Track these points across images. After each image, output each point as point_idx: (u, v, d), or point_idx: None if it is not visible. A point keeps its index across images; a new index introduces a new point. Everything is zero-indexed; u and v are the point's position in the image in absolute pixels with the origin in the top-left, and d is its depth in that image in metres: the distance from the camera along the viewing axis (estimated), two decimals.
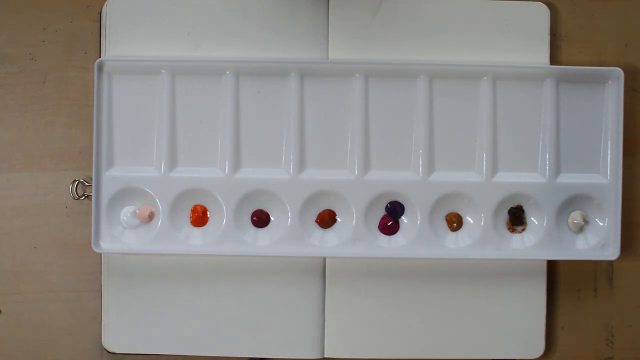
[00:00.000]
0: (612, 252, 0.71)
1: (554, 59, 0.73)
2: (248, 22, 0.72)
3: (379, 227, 0.71)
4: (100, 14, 0.73)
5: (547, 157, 0.71)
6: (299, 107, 0.70)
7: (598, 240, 0.71)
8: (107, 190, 0.70)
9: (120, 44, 0.71)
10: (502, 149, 0.71)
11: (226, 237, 0.70)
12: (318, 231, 0.71)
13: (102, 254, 0.72)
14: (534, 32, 0.72)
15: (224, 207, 0.70)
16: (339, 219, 0.71)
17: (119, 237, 0.70)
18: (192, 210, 0.71)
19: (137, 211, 0.70)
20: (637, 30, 0.74)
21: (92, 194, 0.69)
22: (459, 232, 0.71)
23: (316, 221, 0.71)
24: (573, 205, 0.71)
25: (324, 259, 0.72)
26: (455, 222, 0.71)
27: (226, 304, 0.72)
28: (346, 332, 0.72)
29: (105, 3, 0.72)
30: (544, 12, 0.72)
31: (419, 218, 0.70)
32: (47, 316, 0.73)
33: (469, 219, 0.71)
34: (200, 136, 0.71)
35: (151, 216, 0.70)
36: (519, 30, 0.72)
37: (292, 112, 0.70)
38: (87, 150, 0.72)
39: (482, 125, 0.71)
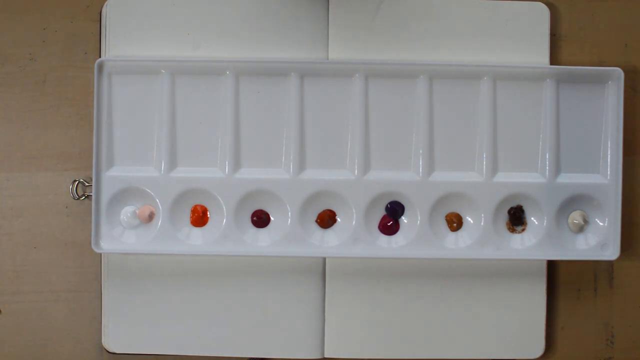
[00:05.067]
0: (612, 252, 0.71)
1: (554, 59, 0.73)
2: (248, 22, 0.72)
3: (379, 227, 0.71)
4: (100, 14, 0.73)
5: (547, 157, 0.71)
6: (299, 107, 0.70)
7: (598, 240, 0.71)
8: (107, 190, 0.70)
9: (120, 44, 0.71)
10: (502, 149, 0.71)
11: (226, 237, 0.70)
12: (318, 231, 0.71)
13: (102, 254, 0.72)
14: (534, 32, 0.72)
15: (224, 207, 0.70)
16: (339, 219, 0.71)
17: (119, 237, 0.70)
18: (192, 210, 0.71)
19: (137, 211, 0.70)
20: (637, 30, 0.74)
21: (92, 194, 0.69)
22: (459, 232, 0.71)
23: (316, 221, 0.71)
24: (573, 205, 0.71)
25: (324, 259, 0.72)
26: (455, 222, 0.71)
27: (226, 304, 0.72)
28: (346, 332, 0.72)
29: (105, 3, 0.72)
30: (544, 12, 0.72)
31: (419, 218, 0.70)
32: (47, 316, 0.73)
33: (469, 219, 0.71)
34: (200, 136, 0.71)
35: (151, 216, 0.70)
36: (519, 30, 0.72)
37: (292, 112, 0.70)
38: (87, 150, 0.72)
39: (482, 125, 0.71)
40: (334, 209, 0.71)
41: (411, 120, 0.71)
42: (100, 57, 0.72)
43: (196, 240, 0.70)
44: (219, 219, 0.70)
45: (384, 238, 0.71)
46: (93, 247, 0.69)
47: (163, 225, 0.70)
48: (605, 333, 0.74)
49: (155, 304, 0.72)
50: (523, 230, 0.71)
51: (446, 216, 0.71)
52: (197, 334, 0.72)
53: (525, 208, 0.71)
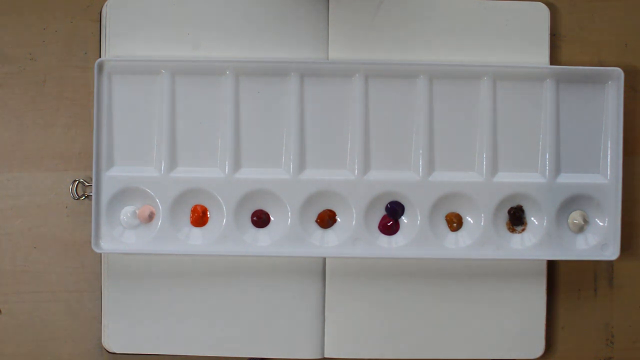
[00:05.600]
0: (612, 252, 0.71)
1: (554, 59, 0.73)
2: (248, 22, 0.72)
3: (379, 227, 0.71)
4: (100, 14, 0.73)
5: (547, 157, 0.71)
6: (299, 107, 0.71)
7: (598, 240, 0.71)
8: (107, 190, 0.70)
9: (120, 44, 0.71)
10: (502, 149, 0.71)
11: (226, 237, 0.70)
12: (318, 231, 0.71)
13: (102, 254, 0.72)
14: (534, 32, 0.72)
15: (224, 207, 0.70)
16: (339, 219, 0.71)
17: (119, 237, 0.70)
18: (192, 210, 0.71)
19: (137, 211, 0.70)
20: (637, 30, 0.74)
21: (92, 194, 0.69)
22: (459, 232, 0.71)
23: (316, 221, 0.71)
24: (573, 205, 0.71)
25: (324, 259, 0.72)
26: (455, 222, 0.71)
27: (226, 304, 0.72)
28: (346, 332, 0.72)
29: (105, 3, 0.72)
30: (544, 12, 0.72)
31: (419, 218, 0.70)
32: (47, 316, 0.73)
33: (469, 219, 0.71)
34: (200, 136, 0.71)
35: (151, 216, 0.70)
36: (519, 30, 0.72)
37: (292, 112, 0.70)
38: (87, 150, 0.72)
39: (482, 125, 0.71)
40: (334, 209, 0.71)
41: (411, 120, 0.71)
42: (100, 57, 0.72)
43: (196, 240, 0.70)
44: (219, 219, 0.70)
45: (384, 238, 0.71)
46: (93, 247, 0.69)
47: (163, 225, 0.70)
48: (605, 333, 0.74)
49: (155, 304, 0.72)
50: (523, 230, 0.71)
51: (446, 216, 0.71)
52: (197, 334, 0.72)
53: (525, 208, 0.71)
